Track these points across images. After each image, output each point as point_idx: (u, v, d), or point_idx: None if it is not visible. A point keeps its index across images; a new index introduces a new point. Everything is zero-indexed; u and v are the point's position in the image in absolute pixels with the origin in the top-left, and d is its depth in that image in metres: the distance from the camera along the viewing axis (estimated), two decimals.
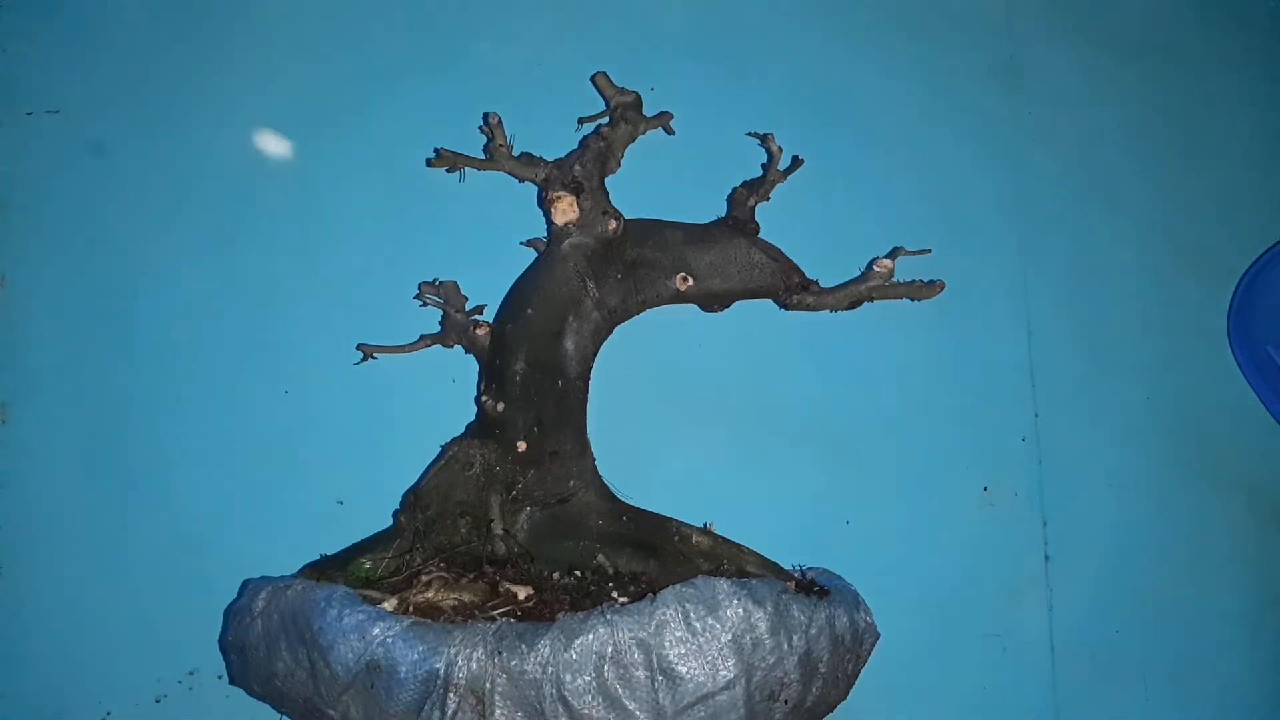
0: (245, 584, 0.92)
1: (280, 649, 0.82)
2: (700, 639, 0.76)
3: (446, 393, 1.11)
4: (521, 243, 1.11)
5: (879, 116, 1.25)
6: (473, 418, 1.05)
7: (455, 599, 0.84)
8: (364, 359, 1.09)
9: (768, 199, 1.10)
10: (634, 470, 1.03)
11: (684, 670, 0.75)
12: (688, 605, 0.77)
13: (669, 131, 1.10)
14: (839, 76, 1.24)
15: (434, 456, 1.01)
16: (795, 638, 0.80)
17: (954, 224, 1.25)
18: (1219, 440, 1.28)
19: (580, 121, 1.08)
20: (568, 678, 0.74)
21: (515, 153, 1.04)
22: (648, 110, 1.07)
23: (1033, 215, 1.27)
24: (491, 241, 1.13)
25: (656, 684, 0.75)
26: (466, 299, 1.08)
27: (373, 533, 0.99)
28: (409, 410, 1.12)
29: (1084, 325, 1.27)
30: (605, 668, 0.74)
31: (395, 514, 0.99)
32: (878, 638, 0.92)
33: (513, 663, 0.74)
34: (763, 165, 1.11)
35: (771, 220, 1.09)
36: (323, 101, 1.16)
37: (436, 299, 1.08)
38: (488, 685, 0.74)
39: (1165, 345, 1.28)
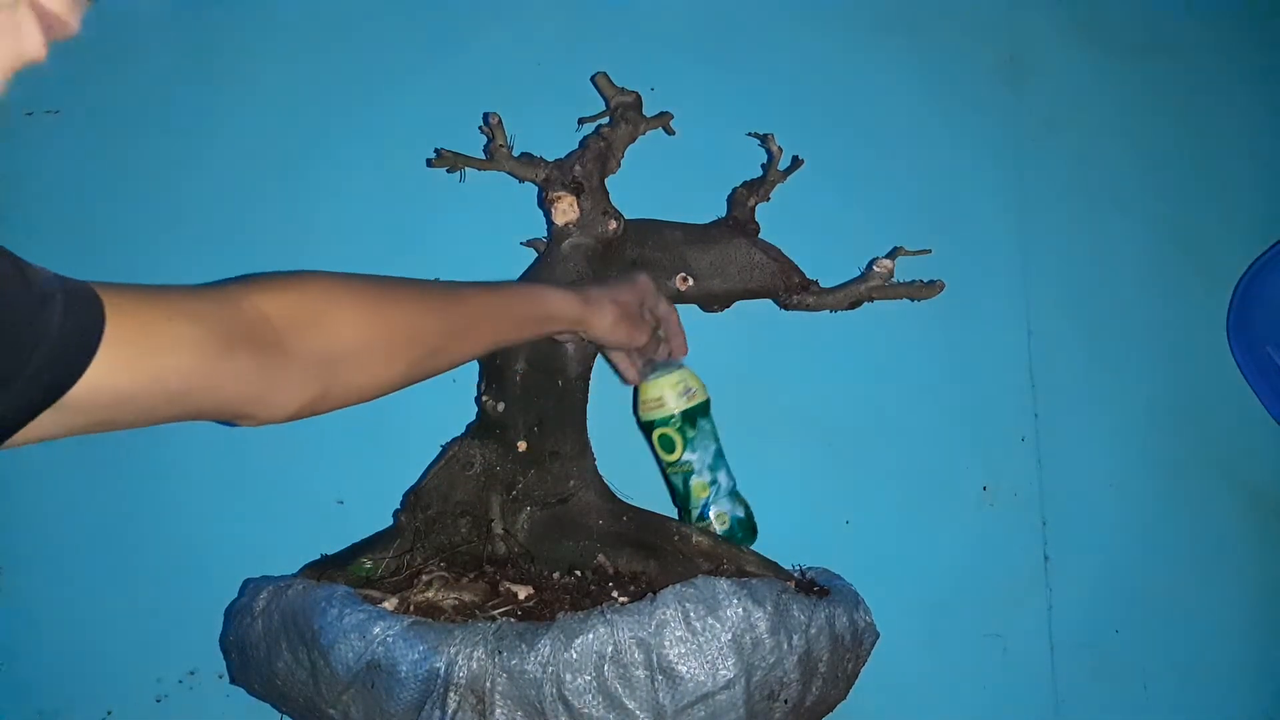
0: (246, 583, 0.92)
1: (281, 648, 0.82)
2: (700, 638, 0.76)
3: (446, 393, 1.11)
4: (521, 243, 1.11)
5: (879, 116, 1.25)
6: (473, 418, 1.05)
7: (455, 598, 0.84)
8: None
9: (768, 199, 1.10)
10: (634, 470, 1.03)
11: (684, 670, 0.75)
12: (688, 605, 0.77)
13: (669, 131, 1.10)
14: (839, 76, 1.24)
15: (434, 456, 1.01)
16: (795, 637, 0.80)
17: (954, 224, 1.25)
18: (1219, 440, 1.28)
19: (580, 121, 1.08)
20: (568, 677, 0.74)
21: (515, 153, 1.04)
22: (648, 110, 1.07)
23: (1033, 215, 1.27)
24: (491, 241, 1.13)
25: (656, 683, 0.75)
26: None
27: (373, 532, 0.99)
28: (409, 410, 1.12)
29: (1084, 325, 1.26)
30: (605, 667, 0.74)
31: (395, 514, 0.99)
32: (877, 637, 0.92)
33: (513, 662, 0.74)
34: (763, 165, 1.11)
35: (771, 220, 1.09)
36: (322, 101, 1.16)
37: None
38: (488, 684, 0.74)
39: (1165, 345, 1.28)
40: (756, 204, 1.09)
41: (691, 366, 1.07)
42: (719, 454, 1.00)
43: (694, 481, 0.99)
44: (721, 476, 1.00)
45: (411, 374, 0.77)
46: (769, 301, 1.07)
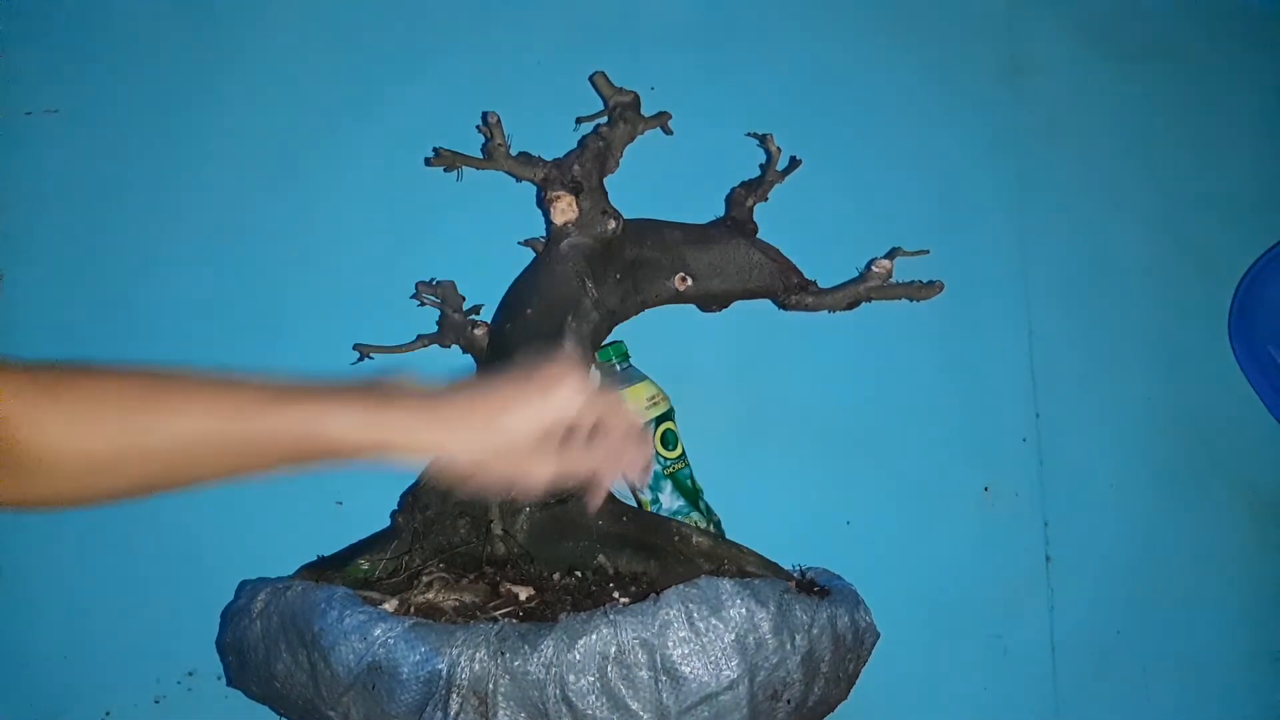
0: (242, 585, 0.92)
1: (280, 650, 0.82)
2: (704, 639, 0.76)
3: None
4: (520, 242, 1.10)
5: (879, 116, 1.25)
6: None
7: (456, 600, 0.83)
8: (361, 359, 1.08)
9: (766, 199, 1.10)
10: None
11: (687, 670, 0.75)
12: (691, 605, 0.77)
13: (667, 131, 1.10)
14: (839, 76, 1.24)
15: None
16: (798, 637, 0.80)
17: (954, 223, 1.24)
18: (1220, 440, 1.28)
19: (578, 121, 1.08)
20: (571, 678, 0.74)
21: (513, 152, 1.04)
22: (647, 110, 1.07)
23: (1033, 215, 1.27)
24: (490, 241, 1.12)
25: (660, 684, 0.75)
26: (464, 299, 1.08)
27: (371, 533, 0.99)
28: None
29: (1085, 325, 1.26)
30: (609, 668, 0.74)
31: (393, 515, 0.99)
32: (878, 637, 0.92)
33: (516, 663, 0.74)
34: (761, 165, 1.11)
35: (770, 220, 1.09)
36: (321, 101, 1.16)
37: (434, 299, 1.08)
38: (490, 686, 0.74)
39: (1166, 345, 1.28)
40: (755, 204, 1.09)
41: (693, 366, 1.07)
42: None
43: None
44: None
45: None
46: (768, 302, 1.07)
